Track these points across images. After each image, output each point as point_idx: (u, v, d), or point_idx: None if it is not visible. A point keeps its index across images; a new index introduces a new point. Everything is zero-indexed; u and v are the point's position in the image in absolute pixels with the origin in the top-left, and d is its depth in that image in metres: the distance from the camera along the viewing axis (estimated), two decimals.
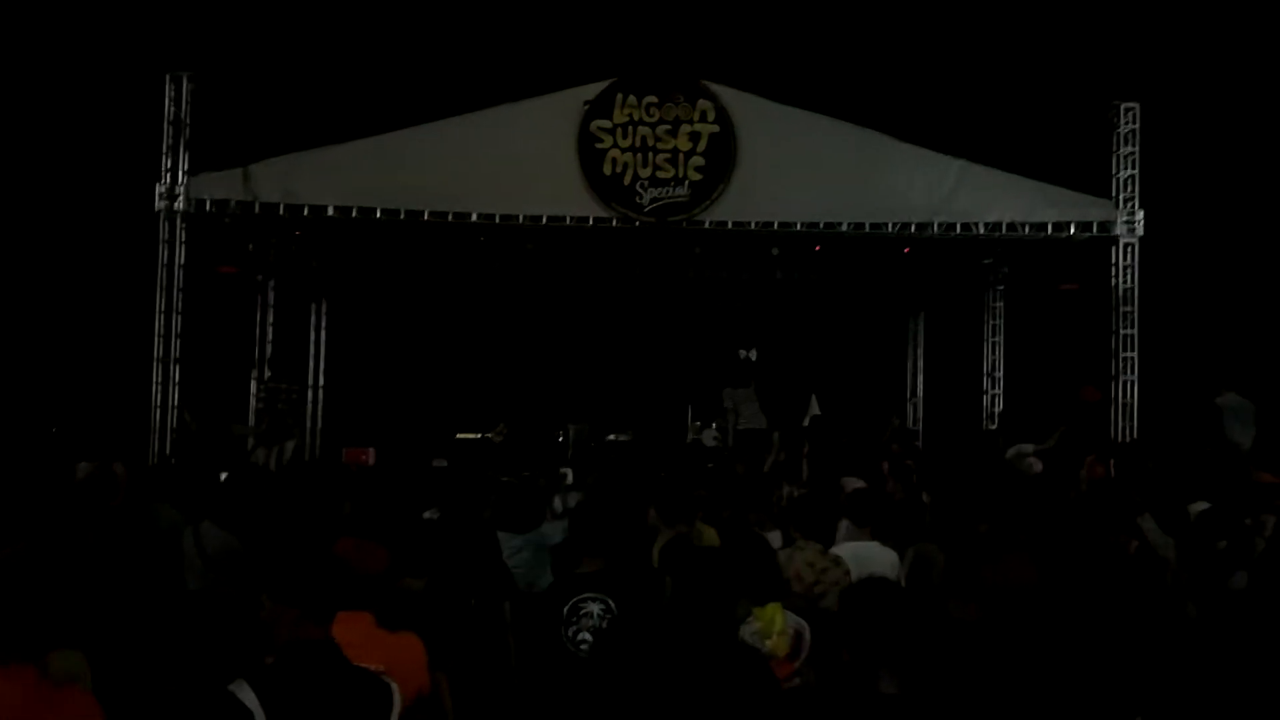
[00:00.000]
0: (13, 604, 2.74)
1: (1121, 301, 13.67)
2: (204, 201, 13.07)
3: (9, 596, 2.76)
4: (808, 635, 4.15)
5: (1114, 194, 13.66)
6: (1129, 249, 13.65)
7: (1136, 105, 13.68)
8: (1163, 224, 13.76)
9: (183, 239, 13.05)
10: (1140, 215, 13.56)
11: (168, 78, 13.06)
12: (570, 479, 9.35)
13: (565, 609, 4.52)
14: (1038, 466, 11.44)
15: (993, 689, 3.11)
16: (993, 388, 17.67)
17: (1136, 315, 13.65)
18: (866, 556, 5.58)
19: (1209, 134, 15.47)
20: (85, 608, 3.45)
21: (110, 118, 14.97)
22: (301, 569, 2.90)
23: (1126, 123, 13.67)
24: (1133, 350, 13.67)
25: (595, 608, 4.54)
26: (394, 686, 2.99)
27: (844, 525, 6.32)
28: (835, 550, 5.66)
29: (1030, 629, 3.40)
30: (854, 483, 8.26)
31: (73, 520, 5.35)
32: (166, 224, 13.01)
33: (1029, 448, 11.76)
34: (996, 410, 17.37)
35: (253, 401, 16.52)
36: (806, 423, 15.21)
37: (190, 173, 13.03)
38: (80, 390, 15.88)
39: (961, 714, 3.02)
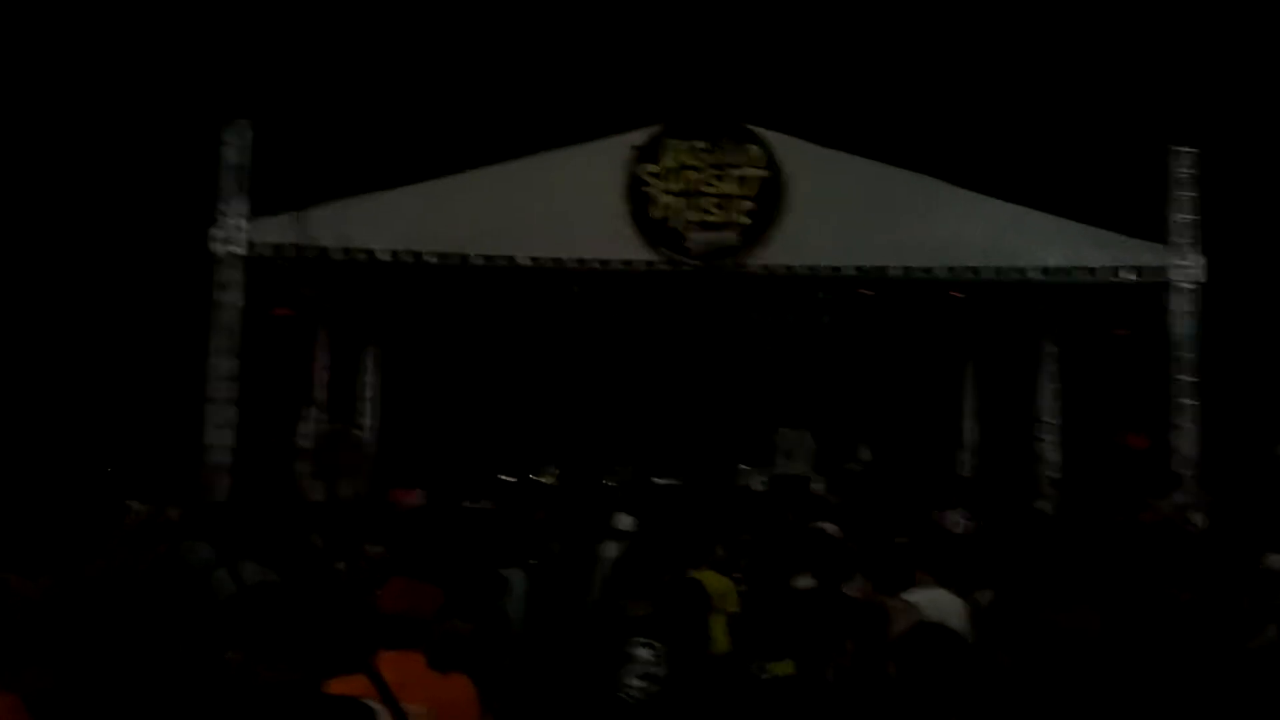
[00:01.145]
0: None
1: (1179, 348, 13.40)
2: (260, 245, 13.29)
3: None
4: None
5: (1170, 238, 13.45)
6: (1187, 294, 13.40)
7: (1194, 150, 13.51)
8: (1221, 269, 13.52)
9: (240, 282, 13.28)
10: (1201, 260, 13.33)
11: (228, 125, 13.36)
12: (628, 524, 9.27)
13: (615, 653, 4.48)
14: None
15: None
16: (1046, 435, 17.35)
17: (1195, 362, 13.38)
18: (934, 604, 5.44)
19: (1268, 179, 15.23)
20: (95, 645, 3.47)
21: (171, 163, 15.33)
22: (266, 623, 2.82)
23: (1184, 167, 13.50)
24: (1192, 397, 13.38)
25: (645, 653, 4.49)
26: (377, 711, 2.95)
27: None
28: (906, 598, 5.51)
29: (1090, 679, 3.30)
30: (830, 528, 8.08)
31: (115, 561, 5.38)
32: (223, 267, 13.25)
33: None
34: (1050, 457, 17.03)
35: (304, 443, 16.66)
36: (856, 469, 15.08)
37: (248, 217, 13.28)
38: (136, 430, 16.14)
39: None
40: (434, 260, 13.32)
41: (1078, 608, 3.53)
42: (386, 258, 13.32)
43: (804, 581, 5.80)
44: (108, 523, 6.73)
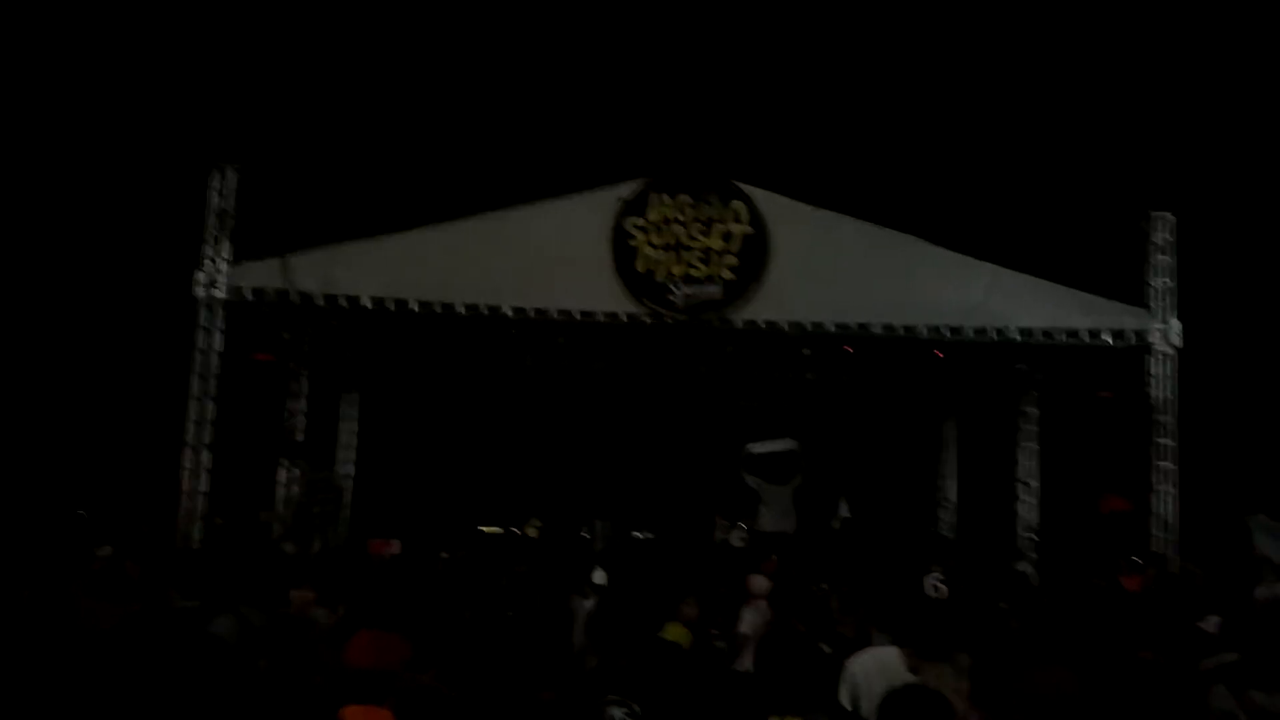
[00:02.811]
0: None
1: (1158, 411, 13.48)
2: (243, 289, 13.27)
3: None
4: None
5: (1149, 303, 13.59)
6: (1165, 358, 13.51)
7: (1171, 216, 13.69)
8: (1199, 333, 13.65)
9: (221, 326, 13.23)
10: (1178, 326, 13.46)
11: (214, 169, 13.39)
12: (601, 579, 9.19)
13: (588, 712, 4.40)
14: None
15: None
16: (1026, 495, 17.36)
17: (1174, 425, 13.45)
18: (875, 659, 5.38)
19: (1245, 245, 15.44)
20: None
21: (156, 206, 15.35)
22: None
23: (1161, 232, 13.68)
24: (1171, 461, 13.43)
25: (619, 712, 4.41)
26: None
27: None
28: (863, 657, 5.46)
29: None
30: (761, 582, 8.05)
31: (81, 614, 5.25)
32: (205, 310, 13.21)
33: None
34: (1030, 518, 17.03)
35: (281, 490, 16.52)
36: (836, 526, 15.01)
37: (231, 261, 13.27)
38: (112, 473, 15.96)
39: None
40: (417, 309, 13.30)
41: (1054, 668, 3.50)
42: (369, 305, 13.29)
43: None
44: (72, 568, 6.61)
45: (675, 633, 6.37)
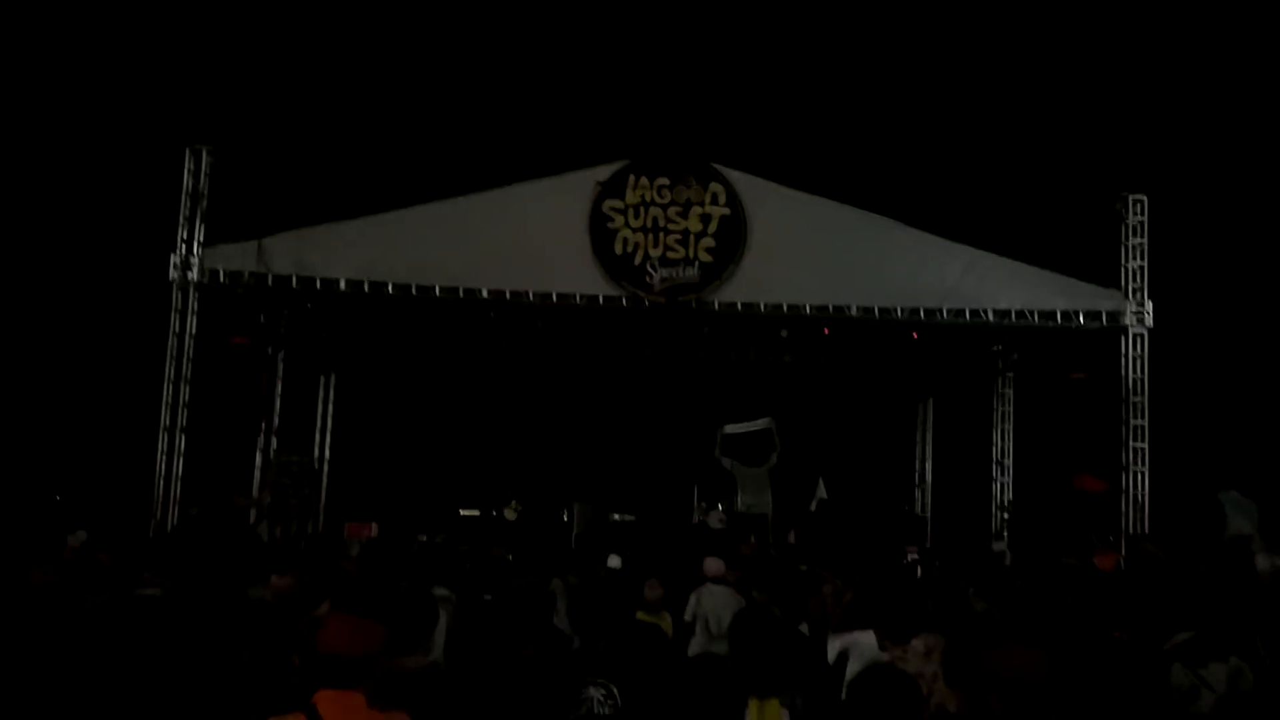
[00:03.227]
0: None
1: (1131, 392, 13.63)
2: (218, 272, 13.18)
3: None
4: None
5: (1123, 284, 13.71)
6: (1138, 339, 13.65)
7: (1144, 197, 13.81)
8: (1172, 315, 13.78)
9: (195, 309, 13.14)
10: (1149, 306, 13.59)
11: (187, 151, 13.28)
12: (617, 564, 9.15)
13: (566, 694, 4.42)
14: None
15: None
16: (1001, 475, 17.52)
17: (1147, 406, 13.60)
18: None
19: (1218, 225, 15.57)
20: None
21: (129, 188, 15.19)
22: None
23: (1135, 214, 13.79)
24: (1143, 441, 13.59)
25: (596, 693, 4.44)
26: None
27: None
28: (843, 640, 5.48)
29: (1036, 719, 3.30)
30: (714, 564, 8.09)
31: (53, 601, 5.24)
32: (180, 294, 13.12)
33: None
34: (1005, 497, 17.20)
35: (258, 473, 16.45)
36: (813, 507, 15.08)
37: (206, 244, 13.17)
38: (87, 457, 15.85)
39: None
40: (393, 291, 13.25)
41: (1024, 648, 3.54)
42: (345, 287, 13.23)
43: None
44: (44, 553, 6.57)
45: (660, 622, 6.38)
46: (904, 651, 4.95)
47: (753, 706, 4.22)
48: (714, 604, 7.49)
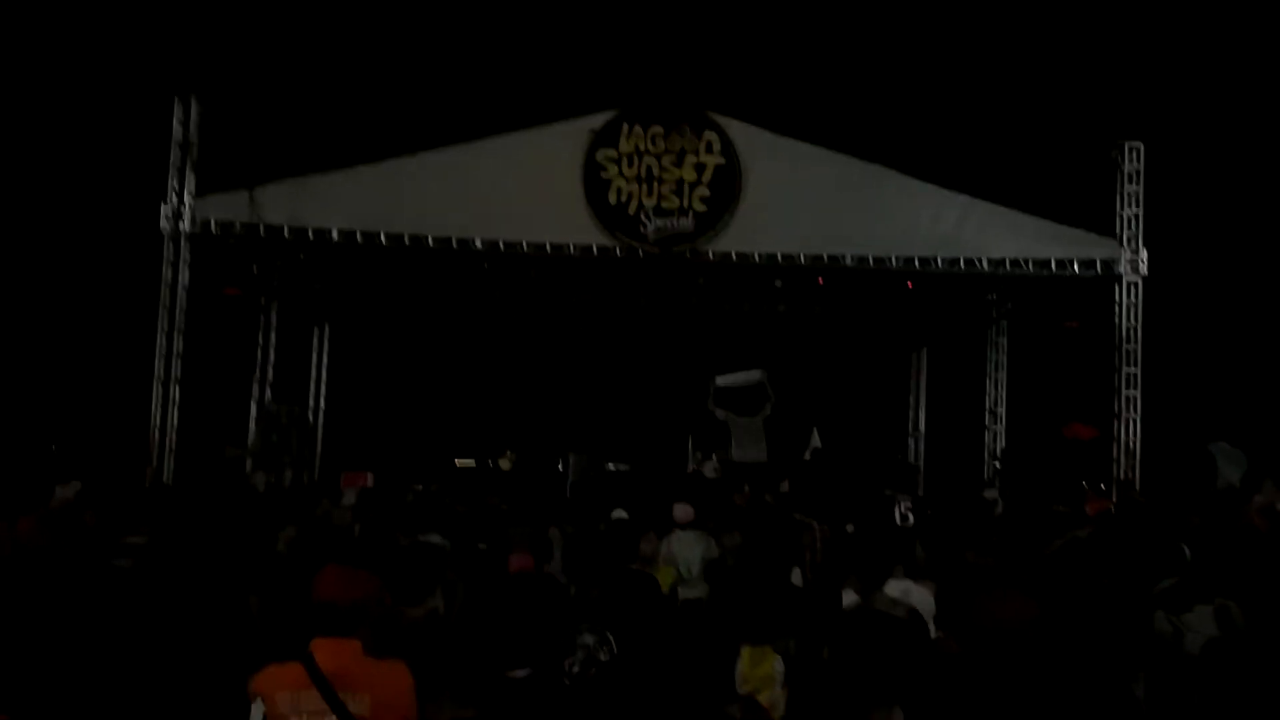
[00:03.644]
0: None
1: (1124, 340, 13.66)
2: (209, 223, 13.10)
3: None
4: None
5: (1118, 232, 13.69)
6: (1132, 287, 13.66)
7: (1140, 145, 13.74)
8: (1166, 263, 13.78)
9: (187, 259, 13.08)
10: (1144, 254, 13.59)
11: (176, 99, 13.14)
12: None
13: (561, 640, 4.47)
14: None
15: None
16: (995, 424, 17.61)
17: (1140, 354, 13.64)
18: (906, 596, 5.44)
19: (1214, 174, 15.51)
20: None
21: (118, 138, 15.04)
22: None
23: (1131, 162, 13.73)
24: (1135, 389, 13.65)
25: (591, 639, 4.48)
26: (255, 707, 2.95)
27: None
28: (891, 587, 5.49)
29: (1024, 666, 3.35)
30: (684, 510, 8.16)
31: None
32: (171, 244, 13.05)
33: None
34: (998, 446, 17.30)
35: (252, 423, 16.49)
36: (808, 455, 15.16)
37: (196, 194, 13.08)
38: (82, 408, 15.86)
39: None
40: (386, 241, 13.19)
41: (1013, 595, 3.58)
42: (338, 238, 13.17)
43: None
44: (36, 503, 6.59)
45: (662, 577, 6.40)
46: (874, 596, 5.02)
47: (745, 654, 4.28)
48: (684, 550, 7.55)
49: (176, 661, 2.87)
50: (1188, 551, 6.05)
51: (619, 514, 8.54)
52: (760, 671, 4.26)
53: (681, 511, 8.02)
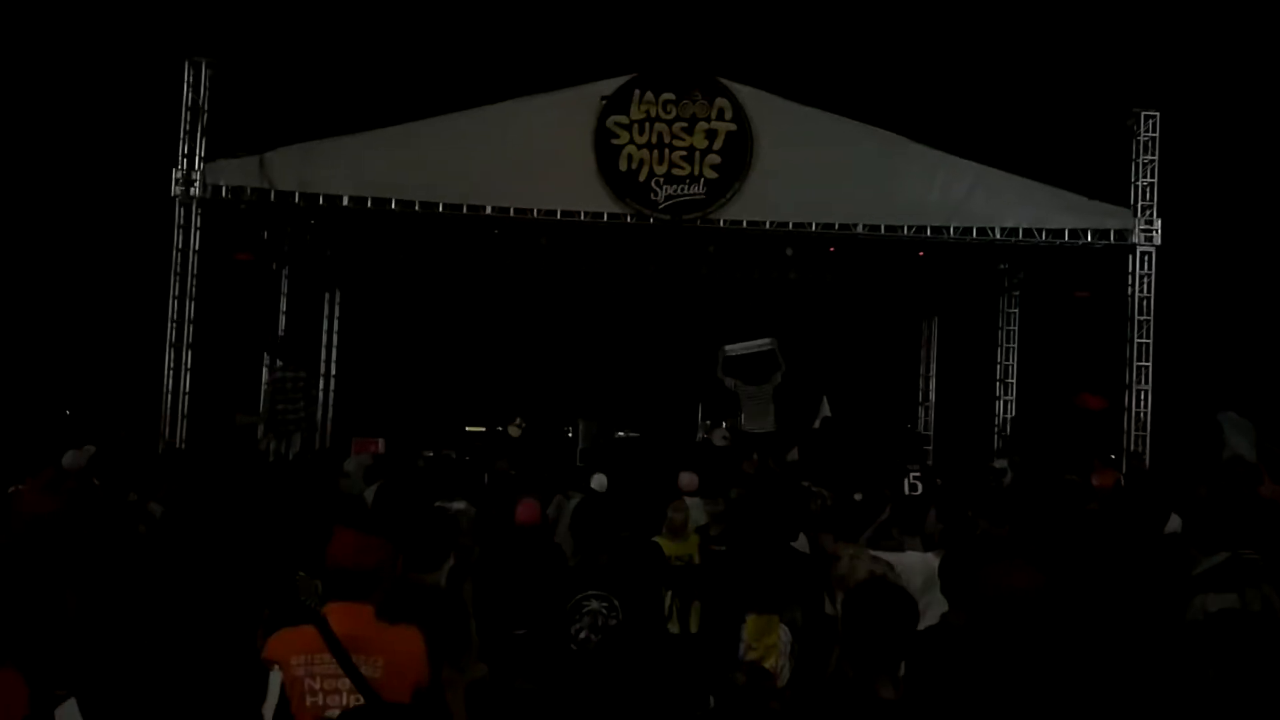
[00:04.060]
0: None
1: (1137, 310, 13.61)
2: (220, 188, 13.09)
3: None
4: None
5: (1132, 202, 13.60)
6: (1146, 258, 13.58)
7: (1157, 114, 13.62)
8: (1180, 233, 13.69)
9: (198, 225, 13.09)
10: (1158, 224, 13.50)
11: (186, 63, 13.09)
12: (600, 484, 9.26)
13: (568, 605, 4.52)
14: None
15: (988, 697, 3.09)
16: (1005, 394, 17.58)
17: (1152, 325, 13.59)
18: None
19: (1229, 144, 15.37)
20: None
21: (129, 102, 15.03)
22: None
23: (1146, 131, 13.61)
24: (1147, 359, 13.61)
25: (598, 605, 4.53)
26: (272, 673, 2.98)
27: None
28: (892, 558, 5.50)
29: (1031, 636, 3.37)
30: (689, 478, 8.18)
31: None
32: (182, 209, 13.05)
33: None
34: (1008, 416, 17.28)
35: (264, 389, 16.54)
36: (817, 424, 15.16)
37: (207, 159, 13.06)
38: (95, 373, 15.95)
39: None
40: (396, 207, 13.18)
41: (1019, 565, 3.59)
42: (348, 203, 13.15)
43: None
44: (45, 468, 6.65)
45: (688, 546, 6.44)
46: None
47: (750, 622, 4.32)
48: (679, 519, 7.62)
49: (193, 625, 2.90)
50: (1177, 521, 6.08)
51: (599, 481, 8.58)
52: (767, 640, 4.29)
53: (686, 479, 8.06)
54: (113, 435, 9.92)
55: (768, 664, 4.30)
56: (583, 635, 4.45)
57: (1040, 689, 3.21)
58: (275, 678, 3.08)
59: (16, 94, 15.90)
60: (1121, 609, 4.39)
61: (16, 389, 15.29)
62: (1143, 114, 13.64)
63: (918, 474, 10.81)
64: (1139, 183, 13.58)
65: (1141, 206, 13.57)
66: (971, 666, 3.32)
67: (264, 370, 16.40)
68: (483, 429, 16.89)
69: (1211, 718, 3.21)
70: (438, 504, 6.72)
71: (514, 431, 16.65)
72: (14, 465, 7.06)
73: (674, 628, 5.65)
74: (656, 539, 6.43)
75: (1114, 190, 13.68)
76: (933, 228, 13.48)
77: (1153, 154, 13.56)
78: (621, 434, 16.87)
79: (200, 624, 2.78)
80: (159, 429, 12.75)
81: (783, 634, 4.34)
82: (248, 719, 2.88)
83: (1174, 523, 6.45)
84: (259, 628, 3.36)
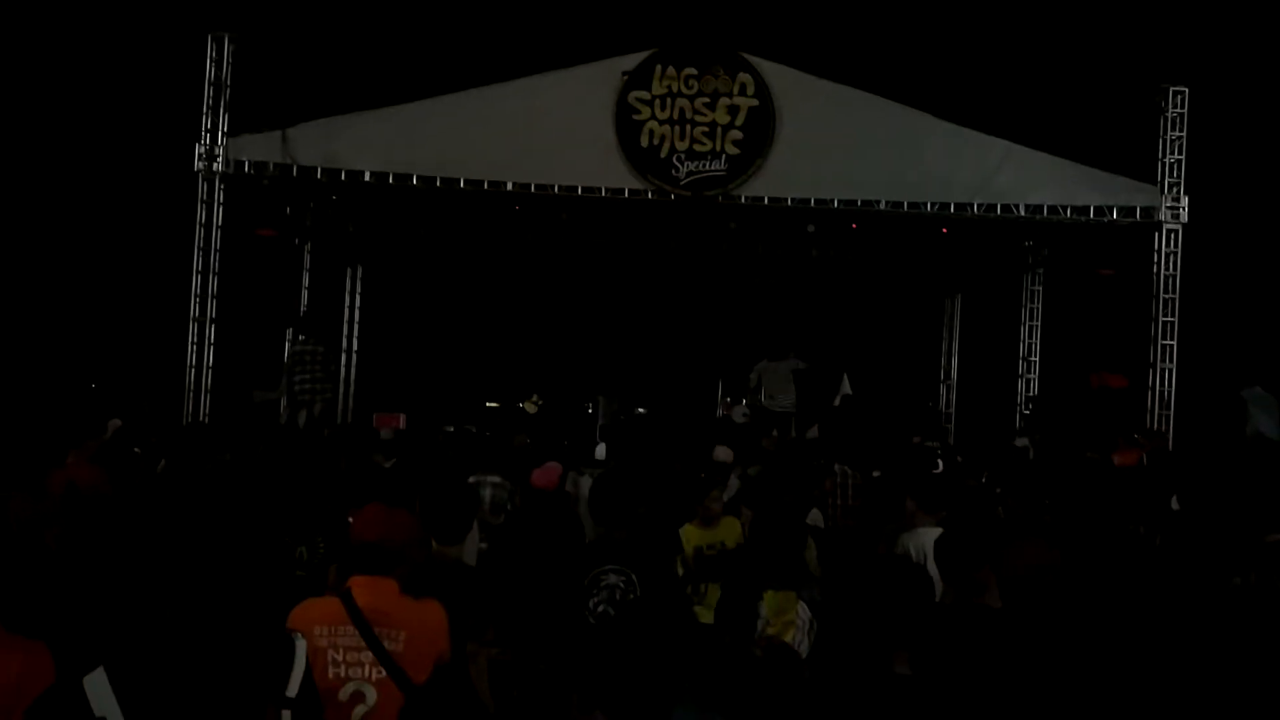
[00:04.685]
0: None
1: (1163, 288, 13.50)
2: (243, 163, 13.14)
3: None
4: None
5: (1159, 179, 13.46)
6: (1172, 235, 13.46)
7: (1185, 89, 13.45)
8: (1207, 211, 13.55)
9: (221, 200, 13.15)
10: (1185, 201, 13.37)
11: (209, 39, 13.11)
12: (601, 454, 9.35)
13: (586, 580, 4.55)
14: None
15: (1005, 674, 3.10)
16: (1027, 372, 17.49)
17: (1178, 303, 13.48)
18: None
19: (1259, 120, 15.16)
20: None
21: (152, 77, 15.07)
22: None
23: (1174, 107, 13.45)
24: (1172, 338, 13.51)
25: (616, 580, 4.56)
26: (298, 641, 3.01)
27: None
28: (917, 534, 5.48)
29: (1048, 614, 3.38)
30: (725, 451, 8.18)
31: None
32: (205, 184, 13.11)
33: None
34: (1030, 394, 17.19)
35: (285, 363, 16.62)
36: (837, 402, 15.14)
37: (230, 134, 13.11)
38: (119, 347, 16.09)
39: (973, 698, 3.01)
40: (418, 183, 13.20)
41: (1036, 543, 3.60)
42: (371, 180, 13.18)
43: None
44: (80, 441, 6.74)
45: (720, 534, 6.34)
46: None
47: (768, 598, 4.35)
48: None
49: (220, 594, 2.95)
50: (1175, 503, 6.06)
51: (600, 452, 8.61)
52: (785, 617, 4.32)
53: (723, 452, 8.08)
54: (137, 409, 10.02)
55: (786, 639, 4.32)
56: (600, 609, 4.48)
57: (1056, 667, 3.22)
58: (301, 646, 3.12)
59: (41, 70, 15.98)
60: (1145, 588, 4.38)
61: (43, 364, 15.44)
62: (1171, 90, 13.48)
63: (938, 450, 10.82)
64: (1166, 159, 13.43)
65: (1169, 184, 13.44)
66: (988, 644, 3.33)
67: (286, 345, 16.48)
68: (498, 405, 16.93)
69: (1235, 694, 3.21)
70: (472, 479, 6.78)
71: (531, 408, 16.70)
72: (45, 439, 7.17)
73: (707, 616, 5.49)
74: (686, 526, 6.25)
75: (1141, 167, 13.54)
76: (957, 204, 13.39)
77: (1180, 130, 13.40)
78: (641, 410, 16.90)
79: (226, 593, 2.82)
80: (182, 403, 12.87)
81: (801, 610, 4.36)
82: (275, 686, 2.93)
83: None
84: (285, 597, 3.40)
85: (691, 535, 6.15)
